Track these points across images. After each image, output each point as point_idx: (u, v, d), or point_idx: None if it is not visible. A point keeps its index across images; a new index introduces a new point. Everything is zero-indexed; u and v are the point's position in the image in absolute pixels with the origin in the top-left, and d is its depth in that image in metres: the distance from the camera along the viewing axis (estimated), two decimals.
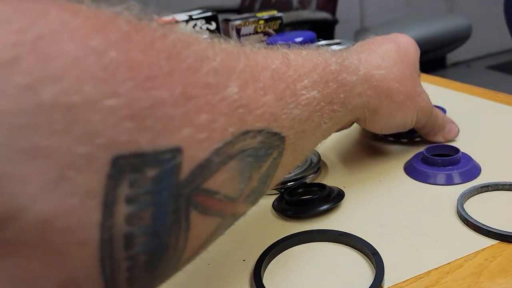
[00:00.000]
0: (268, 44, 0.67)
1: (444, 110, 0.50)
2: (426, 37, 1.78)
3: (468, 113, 0.52)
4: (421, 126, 0.42)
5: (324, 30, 1.42)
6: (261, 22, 0.73)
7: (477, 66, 2.85)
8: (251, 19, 0.73)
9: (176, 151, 0.18)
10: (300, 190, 0.40)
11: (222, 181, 0.20)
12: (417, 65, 0.40)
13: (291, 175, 0.42)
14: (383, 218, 0.35)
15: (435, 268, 0.29)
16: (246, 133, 0.21)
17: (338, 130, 0.38)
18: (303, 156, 0.31)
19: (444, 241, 0.32)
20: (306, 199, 0.38)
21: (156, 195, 0.17)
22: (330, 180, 0.42)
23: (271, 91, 0.24)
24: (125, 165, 0.16)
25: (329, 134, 0.33)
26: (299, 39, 0.66)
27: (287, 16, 0.85)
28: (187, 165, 0.18)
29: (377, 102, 0.35)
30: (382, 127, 0.38)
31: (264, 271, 0.31)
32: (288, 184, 0.41)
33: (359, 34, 2.50)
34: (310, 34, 0.66)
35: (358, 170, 0.44)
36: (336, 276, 0.30)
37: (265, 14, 0.74)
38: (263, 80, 0.23)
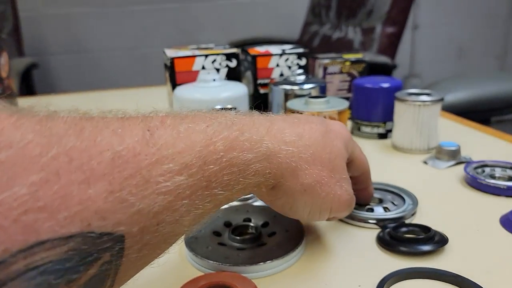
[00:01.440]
0: (354, 85, 0.72)
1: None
2: (474, 98, 1.78)
3: None
4: (341, 216, 0.39)
5: (382, 74, 1.46)
6: (347, 63, 0.78)
7: None
8: (338, 60, 0.77)
9: None
10: (403, 229, 0.43)
11: None
12: (344, 154, 0.37)
13: (391, 213, 0.46)
14: (489, 265, 0.38)
15: None
16: (38, 244, 0.17)
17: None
18: (168, 245, 0.27)
19: None
20: (412, 237, 0.41)
21: None
22: (427, 222, 0.45)
23: (105, 181, 0.20)
24: None
25: (210, 214, 0.29)
26: (386, 85, 0.70)
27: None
28: None
29: (280, 180, 0.32)
30: (283, 205, 0.35)
31: None
32: (386, 221, 0.44)
33: (408, 79, 2.52)
34: (397, 82, 0.70)
35: (455, 215, 0.47)
36: None
37: (352, 57, 0.79)
38: (92, 168, 0.20)
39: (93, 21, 2.23)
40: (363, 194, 0.46)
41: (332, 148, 0.35)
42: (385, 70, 1.55)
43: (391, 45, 1.64)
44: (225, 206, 0.47)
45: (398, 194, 0.49)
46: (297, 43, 2.04)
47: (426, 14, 2.68)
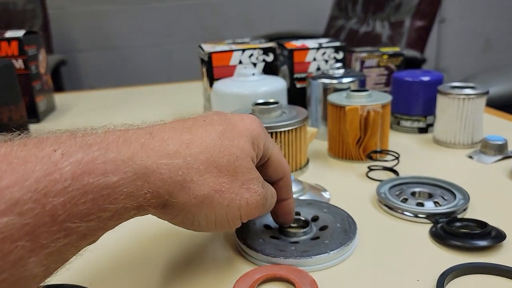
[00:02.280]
0: (394, 79, 0.70)
1: None
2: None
3: None
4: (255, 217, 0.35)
5: (411, 68, 1.44)
6: (385, 57, 0.77)
7: None
8: (376, 53, 0.76)
9: None
10: (457, 224, 0.42)
11: None
12: (249, 152, 0.33)
13: (442, 207, 0.45)
14: None
15: None
16: None
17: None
18: None
19: None
20: (468, 232, 0.40)
21: None
22: (480, 217, 0.44)
23: None
24: None
25: (83, 247, 0.26)
26: (426, 78, 0.69)
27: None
28: None
29: (167, 198, 0.29)
30: (184, 221, 0.31)
31: None
32: (437, 216, 0.43)
33: None
34: (438, 75, 0.69)
35: (509, 211, 0.45)
36: None
37: (389, 50, 0.78)
38: None
39: (118, 18, 2.25)
40: (283, 208, 0.39)
41: (232, 149, 0.31)
42: (414, 64, 1.53)
43: (420, 39, 1.61)
44: None
45: (448, 189, 0.49)
46: (322, 37, 2.02)
47: (453, 7, 2.62)
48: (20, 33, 0.82)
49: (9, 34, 0.82)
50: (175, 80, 2.33)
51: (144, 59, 2.34)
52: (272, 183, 0.38)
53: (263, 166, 0.36)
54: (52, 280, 0.25)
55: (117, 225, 0.27)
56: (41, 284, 0.22)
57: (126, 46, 2.31)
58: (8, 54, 0.80)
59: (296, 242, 0.40)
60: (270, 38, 1.99)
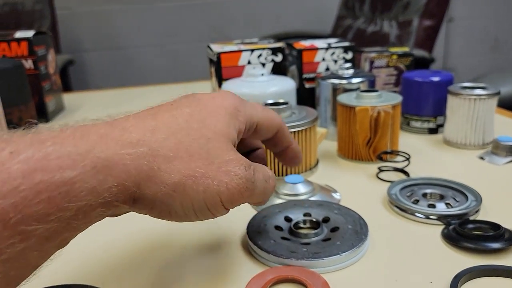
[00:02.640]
0: (404, 79, 0.70)
1: None
2: None
3: None
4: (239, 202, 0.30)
5: (420, 68, 1.44)
6: (394, 57, 0.76)
7: None
8: (385, 53, 0.76)
9: None
10: (470, 226, 0.42)
11: None
12: (225, 131, 0.30)
13: (454, 209, 0.45)
14: None
15: None
16: None
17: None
18: None
19: None
20: (480, 234, 0.40)
21: None
22: (492, 219, 0.44)
23: None
24: None
25: (46, 253, 0.24)
26: (436, 78, 0.68)
27: None
28: None
29: (135, 190, 0.26)
30: (161, 214, 0.29)
31: None
32: (449, 217, 0.43)
33: None
34: (448, 75, 0.68)
35: None
36: None
37: (399, 50, 0.77)
38: None
39: (125, 18, 2.26)
40: (289, 153, 0.39)
41: (202, 131, 0.29)
42: (423, 64, 1.52)
43: (428, 39, 1.60)
44: (283, 201, 0.48)
45: (460, 190, 0.48)
46: (329, 37, 2.02)
47: (462, 7, 2.61)
48: (29, 33, 0.82)
49: (18, 34, 0.82)
50: (181, 80, 2.33)
51: (150, 59, 2.35)
52: (271, 138, 0.37)
53: (255, 132, 0.35)
54: (63, 280, 0.25)
55: (87, 226, 0.25)
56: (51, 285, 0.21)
57: (132, 46, 2.31)
58: (18, 54, 0.81)
59: (308, 244, 0.39)
60: (277, 38, 1.99)
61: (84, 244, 0.43)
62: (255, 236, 0.40)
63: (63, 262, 0.40)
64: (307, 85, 0.75)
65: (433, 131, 0.69)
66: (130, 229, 0.45)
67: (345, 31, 1.91)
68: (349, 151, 0.60)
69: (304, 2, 2.40)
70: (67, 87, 1.84)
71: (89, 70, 2.32)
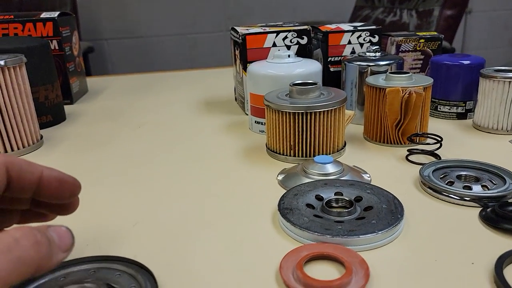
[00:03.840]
0: (432, 63, 0.68)
1: None
2: None
3: None
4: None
5: None
6: (422, 41, 0.74)
7: None
8: (413, 37, 0.74)
9: None
10: (510, 208, 0.40)
11: None
12: None
13: (492, 191, 0.43)
14: None
15: None
16: None
17: None
18: None
19: None
20: None
21: None
22: None
23: None
24: None
25: None
26: (466, 62, 0.66)
27: None
28: None
29: None
30: None
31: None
32: (486, 199, 0.42)
33: None
34: (480, 58, 0.67)
35: None
36: None
37: (427, 34, 0.76)
38: None
39: (143, 7, 2.26)
40: (48, 186, 0.28)
41: None
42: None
43: (449, 28, 1.57)
44: (313, 180, 0.47)
45: (496, 173, 0.47)
46: None
47: None
48: (54, 14, 0.82)
49: (44, 15, 0.82)
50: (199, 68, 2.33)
51: (168, 47, 2.35)
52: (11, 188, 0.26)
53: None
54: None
55: None
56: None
57: (150, 34, 2.31)
58: (43, 34, 0.81)
59: (341, 222, 0.39)
60: None
61: (114, 216, 0.43)
62: (288, 213, 0.40)
63: (94, 234, 0.40)
64: (332, 69, 0.74)
65: (462, 116, 0.68)
66: (163, 208, 0.45)
67: (363, 21, 1.88)
68: (377, 134, 0.59)
69: None
70: (87, 74, 1.85)
71: (108, 58, 2.33)
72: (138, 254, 0.36)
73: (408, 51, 0.75)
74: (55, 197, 0.28)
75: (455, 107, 0.68)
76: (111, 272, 0.33)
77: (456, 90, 0.67)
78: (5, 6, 1.87)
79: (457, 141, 0.60)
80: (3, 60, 0.56)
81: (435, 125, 0.66)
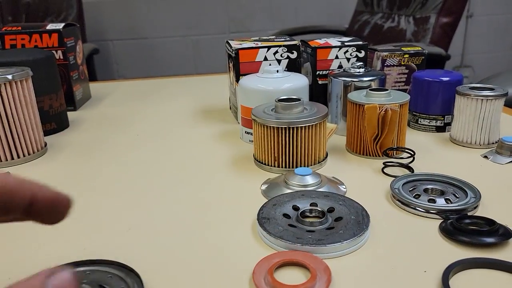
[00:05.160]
0: (414, 78, 0.72)
1: None
2: None
3: None
4: None
5: (435, 65, 1.44)
6: (406, 56, 0.78)
7: None
8: (397, 52, 0.78)
9: None
10: (467, 221, 0.44)
11: None
12: None
13: (453, 204, 0.47)
14: None
15: None
16: None
17: None
18: None
19: None
20: (476, 229, 0.43)
21: None
22: (490, 216, 0.47)
23: None
24: None
25: None
26: (446, 78, 0.70)
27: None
28: None
29: None
30: None
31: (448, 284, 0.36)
32: (448, 212, 0.46)
33: (459, 70, 2.45)
34: (458, 75, 0.70)
35: None
36: None
37: (411, 49, 0.80)
38: None
39: (148, 8, 2.30)
40: (42, 207, 0.27)
41: None
42: (438, 61, 1.52)
43: (445, 36, 1.60)
44: (291, 191, 0.51)
45: (460, 187, 0.51)
46: (347, 31, 2.03)
47: (482, 2, 2.58)
48: (60, 25, 0.87)
49: (50, 26, 0.87)
50: (202, 70, 2.37)
51: (172, 49, 2.39)
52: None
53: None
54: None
55: None
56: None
57: (154, 36, 2.36)
58: (48, 45, 0.86)
59: (312, 231, 0.43)
60: (294, 33, 2.01)
61: (110, 222, 0.48)
62: (265, 222, 0.44)
63: (91, 239, 0.45)
64: (320, 82, 0.78)
65: (440, 129, 0.72)
66: (154, 215, 0.50)
67: (362, 26, 1.92)
68: (357, 146, 0.63)
69: None
70: (92, 75, 1.90)
71: (113, 59, 2.38)
72: (129, 258, 0.41)
73: (393, 65, 0.79)
74: (46, 216, 0.27)
75: (434, 121, 0.72)
76: (104, 274, 0.38)
77: (436, 104, 0.71)
78: (13, 8, 1.92)
79: (433, 154, 0.64)
80: (11, 75, 0.61)
81: (415, 137, 0.70)
